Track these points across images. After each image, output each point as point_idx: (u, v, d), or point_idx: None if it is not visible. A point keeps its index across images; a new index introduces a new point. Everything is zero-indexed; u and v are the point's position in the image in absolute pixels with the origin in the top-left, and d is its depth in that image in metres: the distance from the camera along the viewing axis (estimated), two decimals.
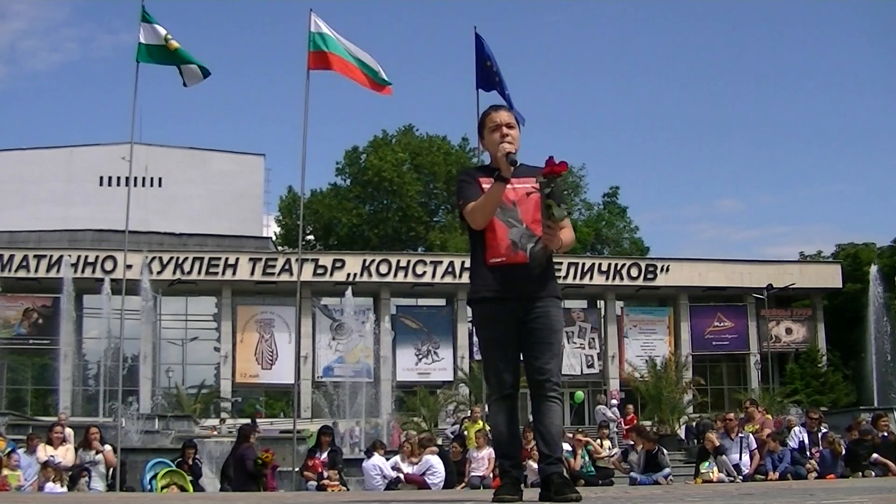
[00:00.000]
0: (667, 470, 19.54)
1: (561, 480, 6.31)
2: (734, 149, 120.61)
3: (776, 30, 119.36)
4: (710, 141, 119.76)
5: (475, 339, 51.39)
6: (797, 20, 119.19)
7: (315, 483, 18.73)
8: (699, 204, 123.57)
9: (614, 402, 33.78)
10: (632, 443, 20.98)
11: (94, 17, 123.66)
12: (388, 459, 19.68)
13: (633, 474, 19.48)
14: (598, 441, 21.79)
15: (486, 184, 6.47)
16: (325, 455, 19.40)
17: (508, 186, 6.40)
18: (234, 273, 55.75)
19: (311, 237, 79.15)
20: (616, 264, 60.14)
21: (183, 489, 17.93)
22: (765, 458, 19.61)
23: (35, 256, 53.89)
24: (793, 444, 20.66)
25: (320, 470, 19.02)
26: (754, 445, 19.86)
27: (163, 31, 20.23)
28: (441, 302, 60.55)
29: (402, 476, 19.00)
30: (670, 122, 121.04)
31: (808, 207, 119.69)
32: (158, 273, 52.78)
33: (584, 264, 58.61)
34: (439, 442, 22.51)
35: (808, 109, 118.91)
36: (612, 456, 21.43)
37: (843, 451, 19.95)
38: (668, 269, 59.62)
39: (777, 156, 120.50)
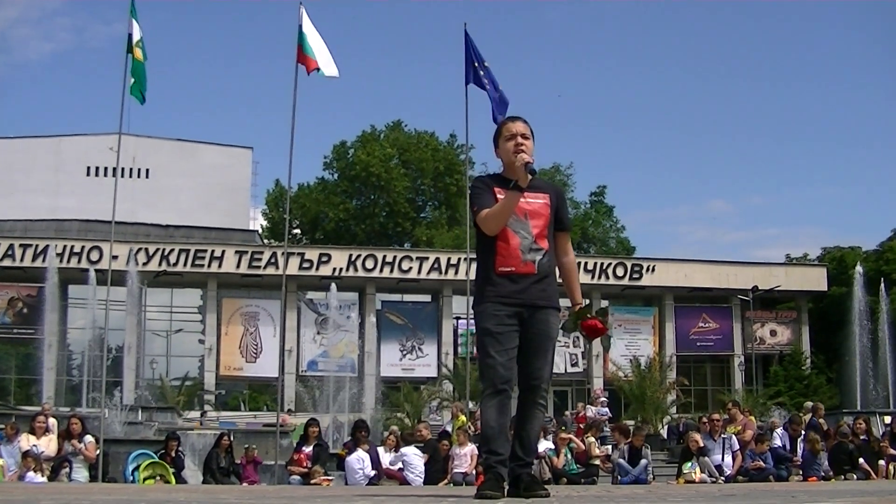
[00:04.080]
0: (644, 462, 19.63)
1: (530, 479, 6.70)
2: (725, 150, 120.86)
3: (768, 31, 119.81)
4: (701, 142, 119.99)
5: (461, 334, 51.66)
6: (788, 22, 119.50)
7: (299, 477, 18.72)
8: (689, 205, 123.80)
9: (604, 399, 33.61)
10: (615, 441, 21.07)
11: (88, 6, 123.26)
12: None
13: (619, 461, 19.60)
14: (591, 440, 21.77)
15: (500, 193, 6.70)
16: (310, 448, 19.40)
17: (521, 200, 6.63)
18: (219, 265, 55.70)
19: (297, 231, 79.16)
20: (602, 263, 60.15)
21: (165, 481, 17.92)
22: (746, 460, 19.66)
23: (21, 245, 53.75)
24: (774, 444, 20.73)
25: (305, 464, 19.02)
26: (737, 447, 19.91)
27: (137, 37, 20.11)
28: (426, 298, 60.54)
29: (381, 471, 19.02)
30: (660, 122, 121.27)
31: (798, 210, 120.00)
32: (144, 264, 52.67)
33: None
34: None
35: (799, 111, 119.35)
36: (603, 454, 21.52)
37: (825, 452, 20.01)
38: (653, 269, 59.72)
39: (768, 157, 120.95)
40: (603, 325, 6.83)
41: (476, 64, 21.39)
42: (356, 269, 56.57)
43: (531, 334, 6.68)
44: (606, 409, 32.69)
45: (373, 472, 18.72)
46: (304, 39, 20.25)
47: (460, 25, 21.82)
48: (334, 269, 55.80)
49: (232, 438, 20.77)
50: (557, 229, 6.86)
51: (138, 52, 20.16)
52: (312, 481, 18.39)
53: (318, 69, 20.23)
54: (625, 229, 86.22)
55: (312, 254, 57.04)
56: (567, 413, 40.21)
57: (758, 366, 58.52)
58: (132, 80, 20.26)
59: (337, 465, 19.68)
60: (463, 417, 24.38)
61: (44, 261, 51.22)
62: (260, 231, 75.88)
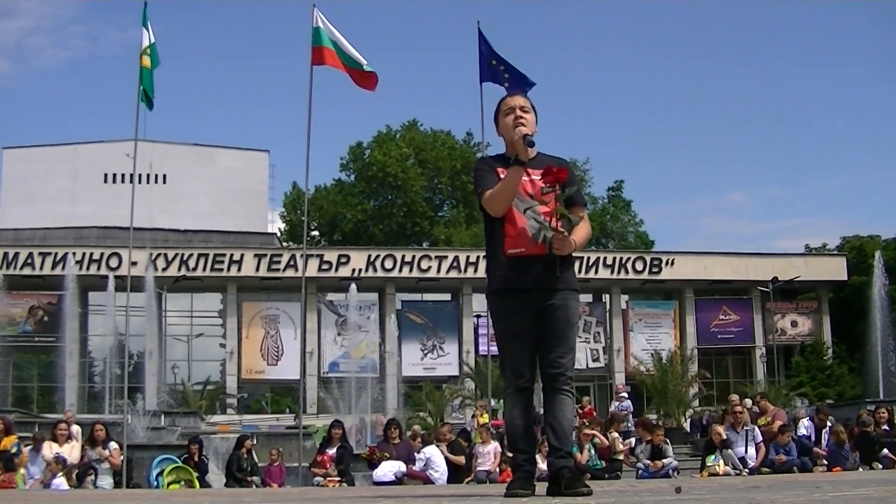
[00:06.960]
0: (672, 461, 19.60)
1: (571, 474, 6.29)
2: (742, 141, 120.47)
3: (785, 22, 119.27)
4: (718, 133, 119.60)
5: (481, 332, 51.41)
6: (806, 13, 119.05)
7: (322, 479, 18.74)
8: (708, 197, 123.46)
9: (624, 395, 33.61)
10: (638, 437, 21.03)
11: (103, 13, 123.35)
12: None
13: (639, 464, 19.56)
14: (614, 436, 21.69)
15: (503, 172, 6.44)
16: (334, 450, 19.41)
17: (525, 178, 6.37)
18: (239, 269, 55.74)
19: (315, 233, 79.20)
20: (621, 258, 60.02)
21: (190, 485, 17.98)
22: (771, 451, 19.60)
23: (40, 254, 53.91)
24: (801, 432, 20.75)
25: (329, 466, 19.03)
26: (760, 438, 19.85)
27: (145, 44, 20.21)
28: (446, 297, 60.54)
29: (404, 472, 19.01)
30: (676, 115, 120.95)
31: (817, 200, 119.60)
32: (163, 270, 52.83)
33: (588, 258, 58.42)
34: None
35: (817, 101, 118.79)
36: (625, 449, 21.47)
37: (849, 443, 19.95)
38: (673, 263, 59.55)
39: (786, 148, 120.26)
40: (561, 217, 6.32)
41: (494, 62, 21.42)
42: (375, 270, 56.57)
43: (550, 322, 6.38)
44: (628, 403, 32.64)
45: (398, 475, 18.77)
46: (321, 38, 20.19)
47: (473, 24, 21.83)
48: (353, 270, 55.78)
49: (255, 441, 20.82)
50: (569, 205, 6.43)
51: (146, 60, 20.24)
52: (318, 480, 18.48)
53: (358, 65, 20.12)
54: (643, 223, 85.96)
55: (331, 255, 57.04)
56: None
57: (779, 357, 58.33)
58: (141, 87, 20.40)
59: (369, 465, 19.64)
60: (486, 416, 24.38)
61: (63, 268, 51.32)
62: (278, 234, 75.97)
